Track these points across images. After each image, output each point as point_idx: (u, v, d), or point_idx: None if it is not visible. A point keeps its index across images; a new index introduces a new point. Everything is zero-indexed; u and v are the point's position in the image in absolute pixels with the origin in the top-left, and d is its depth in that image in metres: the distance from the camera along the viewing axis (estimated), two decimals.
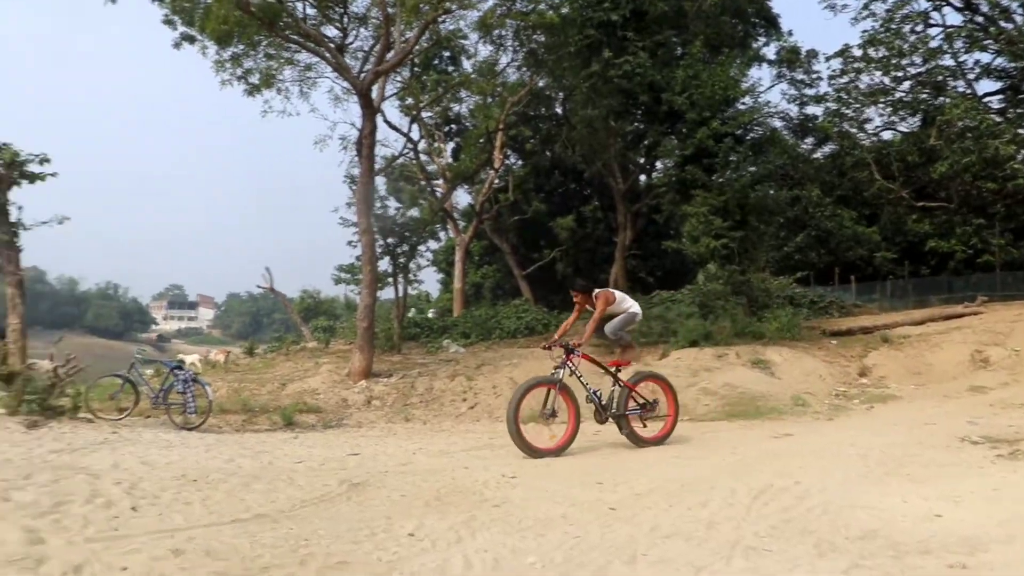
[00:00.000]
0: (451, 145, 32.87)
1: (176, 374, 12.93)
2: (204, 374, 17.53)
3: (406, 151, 28.26)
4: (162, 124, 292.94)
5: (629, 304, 10.22)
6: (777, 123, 28.39)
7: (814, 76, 29.10)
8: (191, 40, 18.64)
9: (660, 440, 9.86)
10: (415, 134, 28.80)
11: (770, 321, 18.08)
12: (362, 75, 19.33)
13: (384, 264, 21.87)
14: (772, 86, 30.08)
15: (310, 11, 19.61)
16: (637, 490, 6.91)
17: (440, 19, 19.53)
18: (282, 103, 22.94)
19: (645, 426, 9.91)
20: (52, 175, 13.45)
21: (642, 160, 28.89)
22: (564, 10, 22.30)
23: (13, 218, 13.10)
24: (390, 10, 17.41)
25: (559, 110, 30.16)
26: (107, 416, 12.59)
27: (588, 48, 22.56)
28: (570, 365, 9.50)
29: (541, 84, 27.84)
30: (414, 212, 28.23)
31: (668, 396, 10.20)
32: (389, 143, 30.08)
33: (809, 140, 30.91)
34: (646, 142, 25.91)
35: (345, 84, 21.30)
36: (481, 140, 28.41)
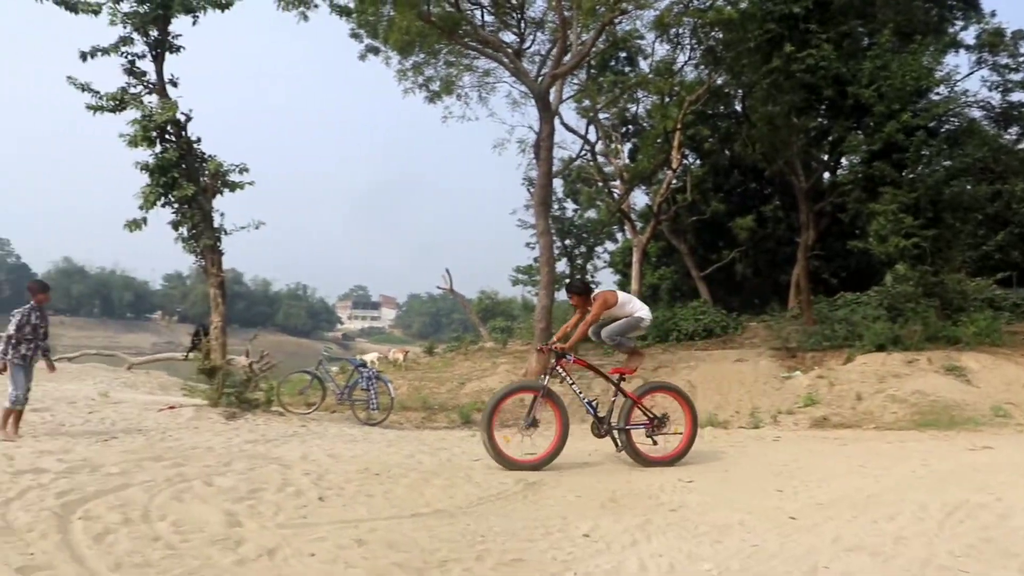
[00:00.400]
0: (628, 146, 32.62)
1: (360, 372, 13.46)
2: (383, 372, 18.19)
3: (583, 153, 28.34)
4: (354, 134, 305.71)
5: (635, 307, 9.08)
6: (976, 113, 26.38)
7: (1021, 60, 26.95)
8: (375, 52, 19.47)
9: (670, 460, 8.71)
10: (592, 136, 28.83)
11: (966, 325, 16.91)
12: (539, 79, 19.54)
13: (561, 266, 22.03)
14: (971, 73, 27.99)
15: (488, 18, 20.02)
16: (819, 500, 6.60)
17: (616, 20, 19.46)
18: (461, 108, 23.52)
19: (655, 443, 8.86)
20: (250, 183, 14.32)
21: (826, 157, 27.64)
22: (743, 5, 21.68)
23: (216, 224, 14.02)
24: (566, 13, 17.51)
25: (738, 107, 29.30)
26: (296, 410, 13.26)
27: (768, 43, 21.79)
28: (560, 371, 8.80)
29: (719, 82, 27.15)
30: (591, 213, 28.25)
31: (685, 411, 9.09)
32: (566, 145, 30.22)
33: (1013, 130, 28.63)
34: (830, 138, 24.78)
35: (523, 88, 21.62)
36: (659, 140, 28.02)
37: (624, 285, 34.76)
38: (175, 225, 14.02)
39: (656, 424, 8.82)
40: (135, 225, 13.81)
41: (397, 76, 20.40)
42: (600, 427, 8.79)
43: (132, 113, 13.69)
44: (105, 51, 13.88)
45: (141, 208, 13.78)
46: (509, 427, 9.02)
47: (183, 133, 13.94)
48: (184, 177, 13.65)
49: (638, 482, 7.46)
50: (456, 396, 16.38)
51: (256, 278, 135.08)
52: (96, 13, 13.73)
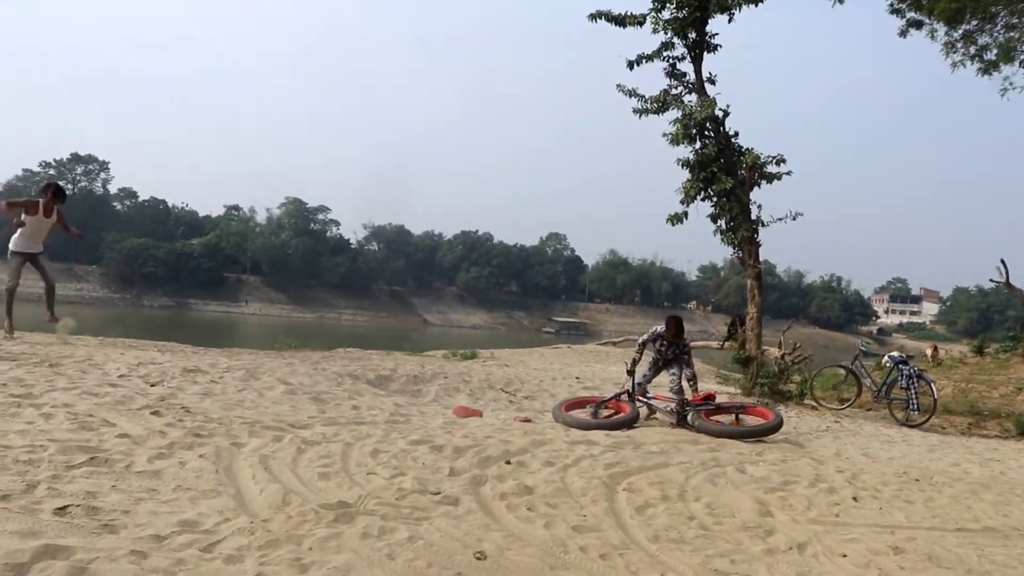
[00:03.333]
0: None
1: (901, 369, 12.68)
2: (926, 370, 16.88)
3: None
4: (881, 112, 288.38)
5: None
6: None
7: None
8: (918, 25, 18.10)
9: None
10: None
11: None
12: None
13: None
14: None
15: None
16: None
17: None
18: None
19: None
20: (787, 174, 14.34)
21: None
22: None
23: (753, 216, 14.28)
24: None
25: None
26: (829, 405, 12.94)
27: None
28: None
29: None
30: None
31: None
32: None
33: None
34: None
35: None
36: None
37: None
38: (714, 218, 14.60)
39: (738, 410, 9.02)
40: (677, 219, 14.66)
41: (944, 50, 18.73)
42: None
43: (673, 113, 14.55)
44: (649, 58, 14.94)
45: (682, 202, 14.58)
46: None
47: (721, 128, 14.42)
48: (723, 171, 14.13)
49: None
50: (1012, 403, 14.60)
51: (789, 269, 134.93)
52: (641, 24, 14.84)
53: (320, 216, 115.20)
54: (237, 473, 4.99)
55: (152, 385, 7.85)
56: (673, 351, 9.26)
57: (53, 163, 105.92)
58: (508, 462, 5.85)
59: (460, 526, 4.32)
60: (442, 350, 18.03)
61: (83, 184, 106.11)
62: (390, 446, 6.04)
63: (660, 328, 9.26)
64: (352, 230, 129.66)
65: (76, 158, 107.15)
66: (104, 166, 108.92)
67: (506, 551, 3.99)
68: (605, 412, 9.04)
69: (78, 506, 3.99)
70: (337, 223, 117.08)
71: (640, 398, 9.12)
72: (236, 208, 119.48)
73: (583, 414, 8.84)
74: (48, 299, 10.91)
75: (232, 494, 4.52)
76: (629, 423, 8.43)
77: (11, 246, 10.60)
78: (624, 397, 9.07)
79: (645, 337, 9.35)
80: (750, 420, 8.91)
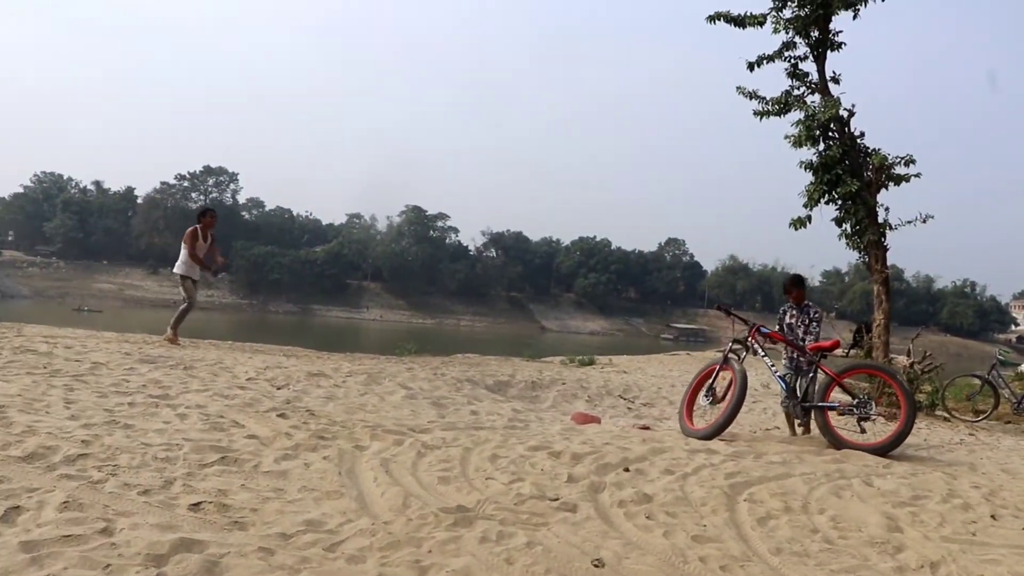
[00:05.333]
0: None
1: None
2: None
3: None
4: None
5: None
6: None
7: None
8: None
9: (877, 449, 7.42)
10: None
11: None
12: None
13: None
14: None
15: None
16: None
17: None
18: None
19: (863, 430, 7.87)
20: (916, 175, 13.78)
21: None
22: None
23: (880, 219, 13.79)
24: None
25: None
26: (963, 417, 12.39)
27: None
28: (752, 343, 8.27)
29: None
30: None
31: (899, 395, 7.85)
32: None
33: None
34: None
35: None
36: None
37: None
38: (838, 221, 14.17)
39: (859, 405, 7.87)
40: (800, 223, 14.27)
41: None
42: (791, 404, 8.38)
43: (795, 114, 14.17)
44: (770, 58, 14.61)
45: (805, 206, 14.19)
46: None
47: (846, 129, 13.98)
48: (848, 173, 13.70)
49: None
50: None
51: (918, 275, 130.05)
52: (761, 24, 14.52)
53: (439, 223, 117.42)
54: (359, 475, 5.13)
55: (278, 388, 8.16)
56: (803, 321, 8.74)
57: (187, 176, 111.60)
58: (626, 469, 5.81)
59: (578, 533, 4.30)
60: (560, 356, 18.08)
61: (214, 195, 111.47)
62: (508, 451, 6.08)
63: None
64: (471, 237, 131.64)
65: (208, 170, 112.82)
66: (233, 177, 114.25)
67: (624, 559, 3.96)
68: (720, 387, 8.19)
69: (211, 503, 4.21)
70: (456, 230, 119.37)
71: (756, 339, 8.36)
72: (358, 216, 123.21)
73: (700, 403, 8.23)
74: (179, 317, 11.66)
75: (354, 496, 4.64)
76: (738, 406, 7.76)
77: (177, 270, 12.00)
78: (733, 353, 8.22)
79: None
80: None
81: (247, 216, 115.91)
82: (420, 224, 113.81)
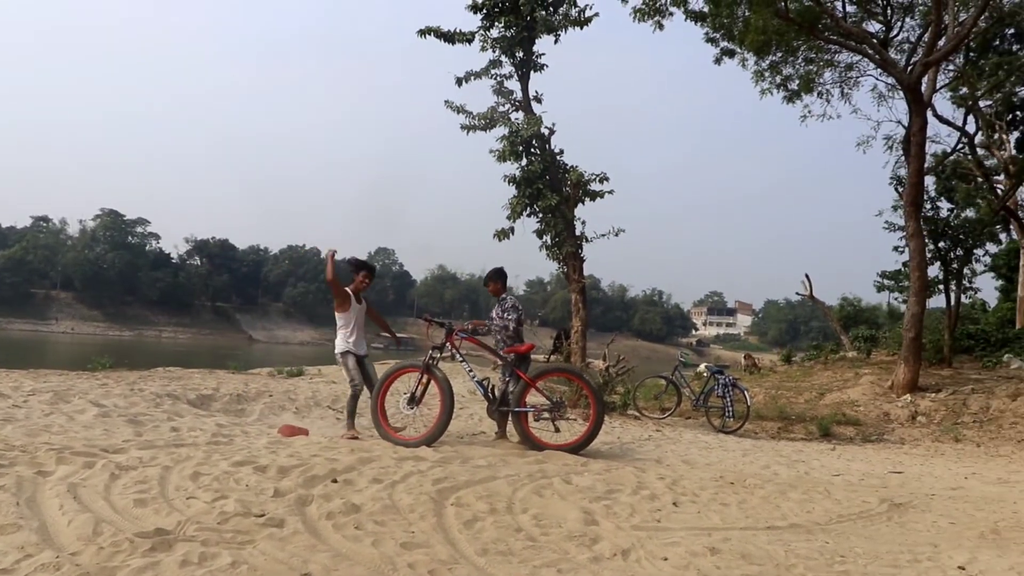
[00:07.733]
0: (1015, 135, 29.01)
1: (717, 378, 13.32)
2: (739, 379, 17.83)
3: (960, 146, 25.68)
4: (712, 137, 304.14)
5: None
6: None
7: None
8: (731, 54, 19.13)
9: (571, 448, 8.02)
10: (971, 127, 26.04)
11: None
12: (909, 68, 18.06)
13: (934, 270, 20.16)
14: None
15: (850, 8, 18.92)
16: None
17: None
18: (822, 107, 22.31)
19: (557, 430, 8.45)
20: (610, 192, 14.84)
21: None
22: None
23: (578, 232, 14.68)
24: None
25: None
26: (651, 415, 13.43)
27: None
28: (450, 348, 8.56)
29: None
30: (969, 213, 25.59)
31: (589, 396, 8.70)
32: (940, 138, 27.27)
33: None
34: None
35: (890, 80, 20.08)
36: None
37: (1008, 291, 31.11)
38: (539, 233, 14.91)
39: (553, 408, 8.43)
40: (504, 234, 14.86)
41: (754, 78, 19.89)
42: (491, 409, 8.57)
43: (500, 130, 14.76)
44: (477, 75, 15.12)
45: (509, 218, 14.80)
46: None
47: (547, 146, 14.75)
48: (548, 188, 14.45)
49: None
50: (815, 407, 15.66)
51: (613, 284, 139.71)
52: (470, 42, 15.02)
53: (139, 229, 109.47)
54: (42, 504, 4.63)
55: None
56: (499, 313, 8.82)
57: None
58: (335, 480, 5.71)
59: (285, 548, 4.16)
60: (268, 368, 17.51)
61: None
62: (211, 468, 5.77)
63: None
64: (174, 244, 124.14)
65: None
66: None
67: (333, 572, 3.88)
68: (419, 392, 8.30)
69: None
70: (157, 236, 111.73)
71: (453, 344, 8.57)
72: (45, 219, 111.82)
73: (401, 409, 8.35)
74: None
75: (35, 527, 4.18)
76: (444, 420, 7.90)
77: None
78: (434, 357, 8.35)
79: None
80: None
81: None
82: (117, 229, 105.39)
